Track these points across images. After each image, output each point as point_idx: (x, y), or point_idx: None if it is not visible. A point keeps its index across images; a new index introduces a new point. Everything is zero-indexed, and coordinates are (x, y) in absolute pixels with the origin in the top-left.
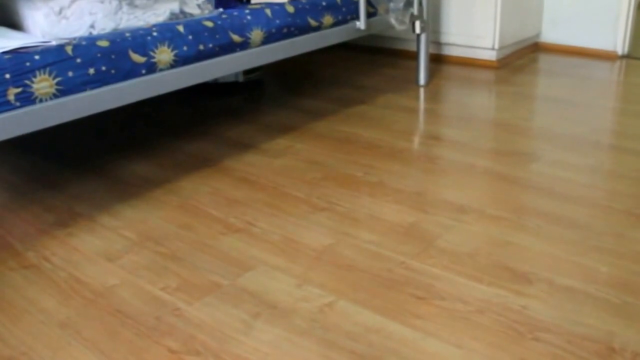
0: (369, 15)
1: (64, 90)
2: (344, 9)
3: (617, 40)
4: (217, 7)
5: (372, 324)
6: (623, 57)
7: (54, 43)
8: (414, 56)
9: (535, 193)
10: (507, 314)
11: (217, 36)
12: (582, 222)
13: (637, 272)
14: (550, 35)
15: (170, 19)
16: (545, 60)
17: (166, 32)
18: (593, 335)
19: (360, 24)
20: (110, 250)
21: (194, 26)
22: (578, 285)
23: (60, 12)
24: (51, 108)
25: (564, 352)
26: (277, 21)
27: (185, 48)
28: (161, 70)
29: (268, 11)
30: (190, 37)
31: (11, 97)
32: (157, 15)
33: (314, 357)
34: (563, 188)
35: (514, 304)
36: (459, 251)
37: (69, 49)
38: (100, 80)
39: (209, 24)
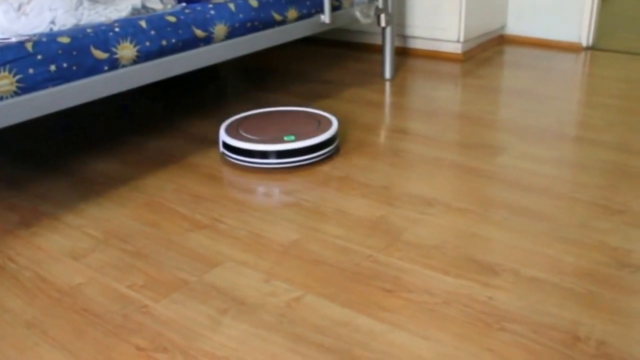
0: (334, 8)
1: (25, 87)
2: (308, 3)
3: (581, 32)
4: (179, 1)
5: (339, 317)
6: (588, 48)
7: (13, 40)
8: (379, 50)
9: (501, 185)
10: (473, 305)
11: (180, 31)
12: (547, 213)
13: (602, 262)
14: (516, 27)
15: (132, 14)
16: (510, 53)
17: (128, 27)
18: (558, 325)
19: (325, 17)
20: (76, 249)
21: (157, 21)
22: (543, 275)
23: (19, 8)
24: (12, 106)
25: (530, 342)
26: (241, 15)
27: (147, 44)
28: (124, 66)
29: (231, 5)
30: (152, 32)
31: None
32: (119, 10)
33: (282, 352)
34: (528, 180)
35: (481, 295)
36: (426, 244)
37: (29, 46)
38: (62, 77)
39: (172, 19)
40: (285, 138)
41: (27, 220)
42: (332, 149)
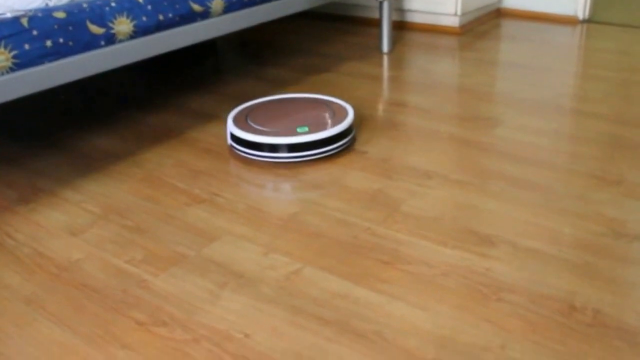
0: None
1: (21, 63)
2: None
3: (577, 5)
4: None
5: (338, 289)
6: (584, 21)
7: (9, 15)
8: (377, 24)
9: (499, 157)
10: (471, 276)
11: (177, 6)
12: (544, 185)
13: (598, 232)
14: (513, 0)
15: None
16: (507, 26)
17: (124, 2)
18: (555, 295)
19: None
20: (74, 225)
21: None
22: (541, 246)
23: None
24: (8, 82)
25: (527, 312)
26: None
27: (144, 18)
28: (121, 41)
29: None
30: (149, 7)
31: None
32: None
33: (282, 324)
34: (526, 152)
35: (478, 267)
36: (424, 216)
37: (24, 21)
38: (58, 53)
39: None
40: (299, 130)
41: (25, 196)
42: (348, 140)
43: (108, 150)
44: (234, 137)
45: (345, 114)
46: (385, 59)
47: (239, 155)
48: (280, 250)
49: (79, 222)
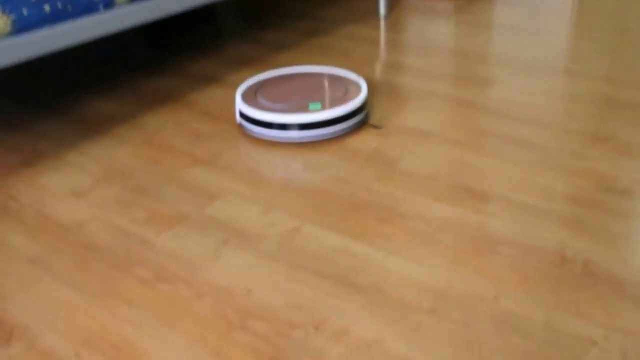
0: None
1: (20, 28)
2: None
3: None
4: None
5: (337, 245)
6: None
7: None
8: None
9: (494, 117)
10: (466, 230)
11: None
12: (538, 143)
13: (589, 187)
14: None
15: None
16: None
17: None
18: (547, 247)
19: None
20: (78, 187)
21: None
22: (534, 201)
23: None
24: (7, 46)
25: (520, 264)
26: None
27: None
28: (120, 5)
29: None
30: None
31: None
32: None
33: (283, 280)
34: (520, 111)
35: (473, 221)
36: (421, 173)
37: None
38: (57, 17)
39: None
40: (310, 107)
41: (29, 159)
42: (362, 117)
43: (109, 114)
44: (244, 115)
45: (358, 89)
46: (382, 22)
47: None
48: (280, 209)
49: (82, 184)
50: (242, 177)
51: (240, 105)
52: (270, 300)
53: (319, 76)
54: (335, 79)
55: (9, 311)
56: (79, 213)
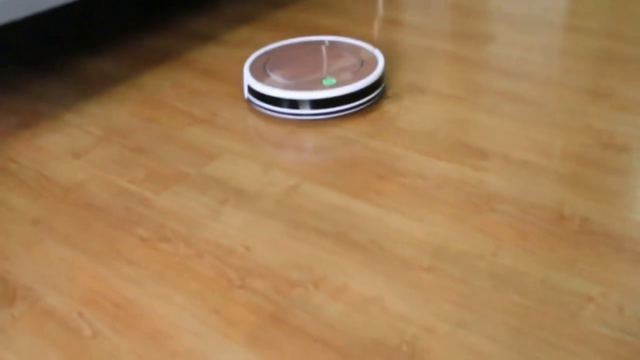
0: None
1: None
2: None
3: None
4: None
5: (336, 203)
6: None
7: None
8: None
9: (492, 73)
10: (464, 187)
11: None
12: (536, 99)
13: (587, 144)
14: None
15: None
16: None
17: None
18: (545, 204)
19: None
20: (77, 147)
21: None
22: (532, 158)
23: None
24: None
25: (518, 221)
26: None
27: None
28: None
29: None
30: None
31: None
32: None
33: (282, 237)
34: (518, 67)
35: (471, 178)
36: (418, 130)
37: None
38: None
39: None
40: (325, 82)
41: (27, 121)
42: (378, 93)
43: (107, 74)
44: (253, 91)
45: (374, 62)
46: None
47: (238, 76)
48: (278, 167)
49: (81, 144)
50: (241, 136)
51: (249, 80)
52: (270, 258)
53: (333, 46)
54: (350, 49)
55: (12, 272)
56: (79, 173)
